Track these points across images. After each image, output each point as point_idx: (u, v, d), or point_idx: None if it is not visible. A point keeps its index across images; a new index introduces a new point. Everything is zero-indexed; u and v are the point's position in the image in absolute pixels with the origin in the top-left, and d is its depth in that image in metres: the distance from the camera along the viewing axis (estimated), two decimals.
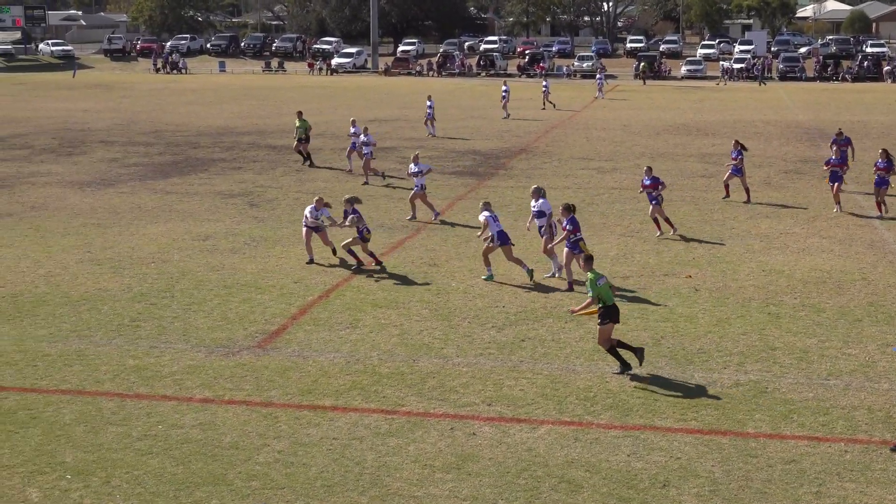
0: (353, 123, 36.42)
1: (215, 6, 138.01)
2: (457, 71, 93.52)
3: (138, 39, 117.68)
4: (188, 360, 16.56)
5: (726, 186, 30.33)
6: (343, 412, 14.43)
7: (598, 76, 73.12)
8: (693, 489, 12.09)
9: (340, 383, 15.52)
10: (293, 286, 20.89)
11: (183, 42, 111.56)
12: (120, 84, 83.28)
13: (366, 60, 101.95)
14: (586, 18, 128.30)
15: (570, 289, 20.44)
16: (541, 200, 21.41)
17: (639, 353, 15.75)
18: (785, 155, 40.24)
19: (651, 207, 25.21)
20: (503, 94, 55.34)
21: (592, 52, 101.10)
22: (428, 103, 46.81)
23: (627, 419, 14.17)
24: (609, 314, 15.57)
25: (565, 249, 20.45)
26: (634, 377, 15.68)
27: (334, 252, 22.72)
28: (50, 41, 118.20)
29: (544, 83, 62.72)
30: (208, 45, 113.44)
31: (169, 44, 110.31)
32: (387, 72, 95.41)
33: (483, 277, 21.23)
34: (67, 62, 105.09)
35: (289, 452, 13.11)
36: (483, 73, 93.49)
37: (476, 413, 14.38)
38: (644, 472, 12.56)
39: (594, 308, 15.75)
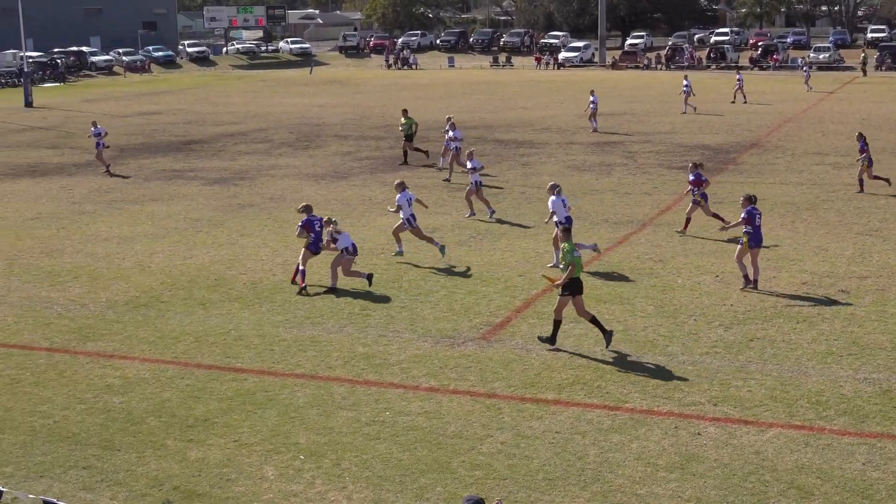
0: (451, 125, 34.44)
1: (445, 3, 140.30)
2: (686, 64, 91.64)
3: (371, 36, 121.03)
4: (415, 349, 16.97)
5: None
6: (566, 406, 14.46)
7: (804, 68, 70.34)
8: None
9: (563, 377, 15.55)
10: (518, 279, 21.05)
11: (413, 38, 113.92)
12: (353, 80, 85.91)
13: (593, 54, 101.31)
14: (823, 8, 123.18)
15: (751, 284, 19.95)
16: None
17: (608, 335, 16.57)
18: None
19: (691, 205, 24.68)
20: (684, 88, 53.58)
21: (829, 42, 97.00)
22: (592, 98, 46.24)
23: (863, 426, 13.58)
24: (573, 286, 16.35)
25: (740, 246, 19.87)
26: (556, 349, 16.60)
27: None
28: (289, 39, 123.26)
29: (738, 76, 60.47)
30: (438, 41, 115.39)
31: (400, 40, 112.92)
32: (614, 65, 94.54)
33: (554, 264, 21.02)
34: (305, 59, 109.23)
35: (511, 444, 13.24)
36: (713, 66, 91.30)
37: (701, 413, 14.11)
38: (881, 482, 12.01)
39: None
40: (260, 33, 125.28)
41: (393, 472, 12.52)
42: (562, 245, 16.70)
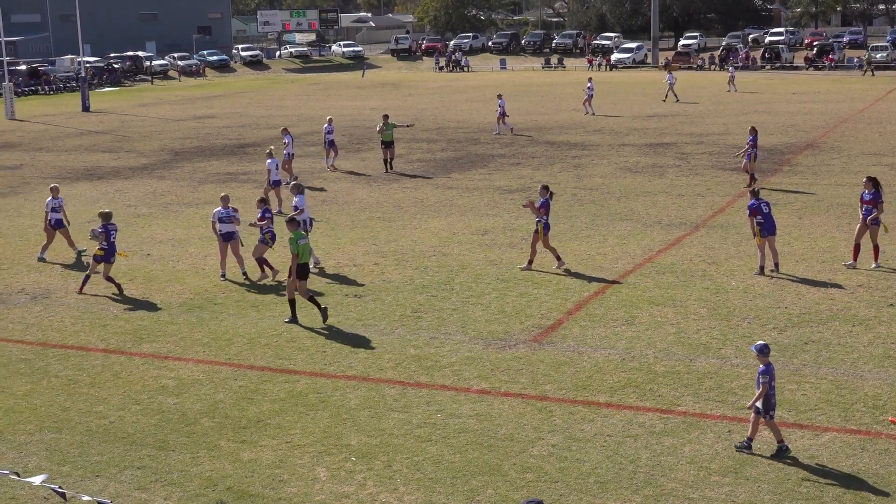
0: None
1: (497, 5, 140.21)
2: (739, 64, 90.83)
3: (423, 39, 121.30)
4: (466, 351, 16.98)
5: None
6: (617, 409, 14.39)
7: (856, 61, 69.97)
8: None
9: (615, 380, 15.48)
10: (569, 281, 20.99)
11: (465, 41, 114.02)
12: (405, 82, 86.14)
13: (645, 55, 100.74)
14: (881, 6, 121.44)
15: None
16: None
17: (323, 311, 18.63)
18: None
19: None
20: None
21: (887, 41, 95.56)
22: (588, 84, 53.32)
23: None
24: (300, 271, 18.43)
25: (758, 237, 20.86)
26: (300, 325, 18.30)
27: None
28: (341, 42, 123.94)
29: (731, 70, 61.13)
30: (490, 44, 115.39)
31: (452, 42, 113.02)
32: (667, 66, 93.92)
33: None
34: (357, 62, 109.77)
35: (563, 447, 13.21)
36: (768, 66, 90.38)
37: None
38: None
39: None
40: (312, 37, 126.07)
41: (444, 475, 12.54)
42: (290, 235, 18.74)
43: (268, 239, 21.77)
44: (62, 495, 9.21)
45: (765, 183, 31.38)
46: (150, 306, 20.21)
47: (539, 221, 21.72)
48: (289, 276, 18.83)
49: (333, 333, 18.10)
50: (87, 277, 21.30)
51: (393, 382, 15.69)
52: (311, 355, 17.02)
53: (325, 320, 18.63)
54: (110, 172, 38.62)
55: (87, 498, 10.03)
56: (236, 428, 14.14)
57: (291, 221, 18.94)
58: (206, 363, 16.81)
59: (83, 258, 24.07)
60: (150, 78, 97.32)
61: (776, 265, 21.07)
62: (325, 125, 38.06)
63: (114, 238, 21.03)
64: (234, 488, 12.35)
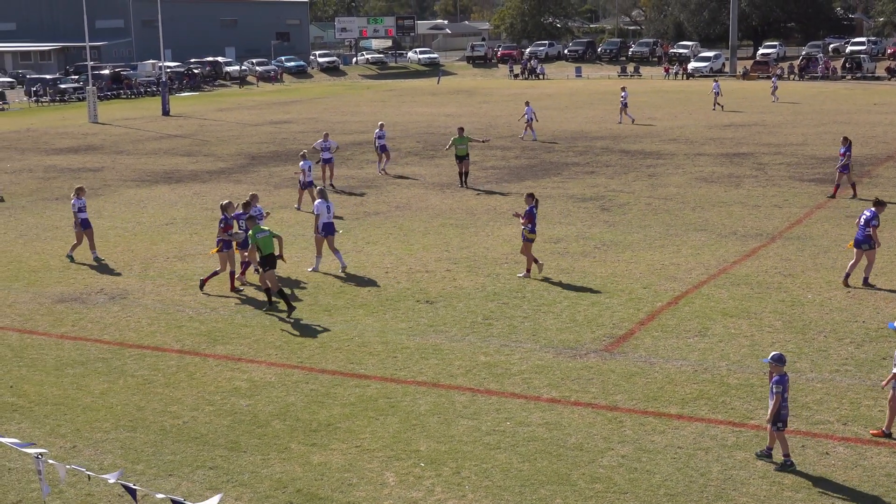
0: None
1: (574, 12, 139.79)
2: (819, 74, 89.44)
3: (499, 46, 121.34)
4: (536, 359, 16.94)
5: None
6: (689, 421, 14.25)
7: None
8: None
9: (687, 392, 15.33)
10: (642, 291, 20.83)
11: (541, 48, 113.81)
12: (480, 90, 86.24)
13: (723, 64, 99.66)
14: None
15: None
16: None
17: (290, 308, 19.72)
18: None
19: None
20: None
21: None
22: (623, 94, 53.77)
23: None
24: (265, 261, 19.69)
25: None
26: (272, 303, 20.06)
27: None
28: (417, 49, 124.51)
29: (715, 85, 62.35)
30: (565, 51, 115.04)
31: (528, 50, 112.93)
32: (745, 75, 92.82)
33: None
34: (433, 69, 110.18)
35: (633, 458, 13.11)
36: (848, 77, 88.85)
37: (830, 432, 13.74)
38: None
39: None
40: (389, 43, 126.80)
41: (512, 483, 12.52)
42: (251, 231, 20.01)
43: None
44: (132, 494, 9.36)
45: (845, 194, 30.88)
46: (225, 308, 20.48)
47: (525, 229, 21.86)
48: (255, 270, 20.26)
49: (404, 339, 18.18)
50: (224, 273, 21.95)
51: (463, 389, 15.70)
52: (381, 360, 17.11)
53: (289, 314, 19.71)
54: (188, 176, 39.23)
55: (160, 496, 10.19)
56: (307, 431, 14.26)
57: (250, 219, 20.26)
58: (278, 366, 16.98)
59: (100, 262, 24.53)
60: (228, 83, 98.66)
61: (865, 279, 20.94)
62: (377, 130, 38.38)
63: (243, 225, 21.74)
64: (304, 491, 12.46)
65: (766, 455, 12.95)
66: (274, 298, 20.40)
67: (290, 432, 14.23)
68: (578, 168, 38.51)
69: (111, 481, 9.36)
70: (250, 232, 19.88)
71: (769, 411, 12.79)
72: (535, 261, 22.19)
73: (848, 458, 12.94)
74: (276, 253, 20.17)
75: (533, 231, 21.91)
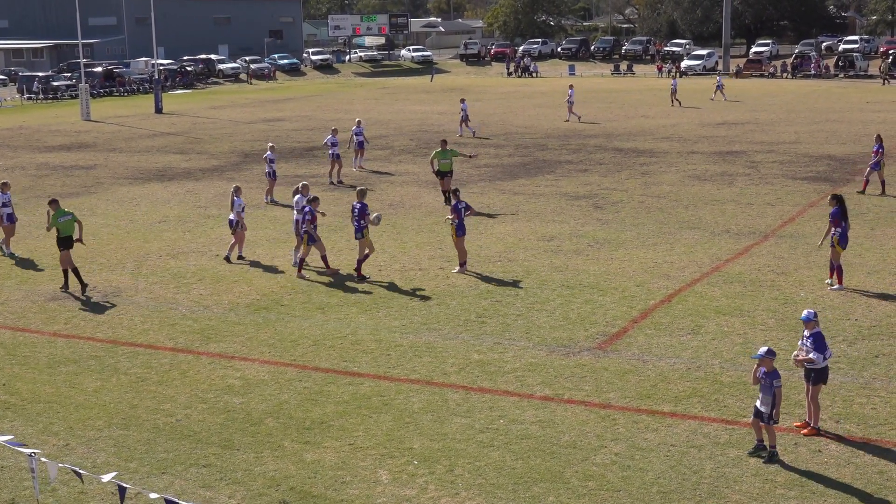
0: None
1: (567, 11, 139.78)
2: (812, 72, 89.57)
3: (492, 44, 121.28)
4: (530, 357, 16.95)
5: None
6: (682, 419, 14.27)
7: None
8: None
9: (680, 389, 15.35)
10: (635, 289, 20.86)
11: (534, 46, 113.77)
12: (473, 88, 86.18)
13: (716, 62, 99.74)
14: None
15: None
16: None
17: (83, 286, 21.46)
18: None
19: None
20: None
21: None
22: (569, 91, 54.87)
23: None
24: (63, 242, 21.38)
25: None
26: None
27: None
28: (411, 47, 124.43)
29: (673, 82, 64.19)
30: (559, 49, 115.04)
31: (521, 48, 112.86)
32: (738, 74, 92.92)
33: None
34: (426, 67, 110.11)
35: (626, 455, 13.13)
36: (841, 75, 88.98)
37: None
38: None
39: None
40: (382, 41, 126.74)
41: (506, 481, 12.53)
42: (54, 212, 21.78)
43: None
44: (122, 492, 9.35)
45: (872, 191, 30.92)
46: (218, 306, 20.47)
47: (452, 223, 22.30)
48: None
49: (397, 337, 18.18)
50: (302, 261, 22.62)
51: (456, 387, 15.71)
52: (375, 358, 17.11)
53: (83, 291, 21.40)
54: (181, 173, 39.17)
55: (154, 495, 10.19)
56: (300, 429, 14.26)
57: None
58: (271, 364, 16.98)
59: (10, 259, 24.91)
60: (221, 80, 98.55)
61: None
62: (354, 127, 38.60)
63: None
64: (297, 488, 12.46)
65: (758, 450, 12.96)
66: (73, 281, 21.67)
67: (283, 430, 14.23)
68: (571, 166, 38.53)
69: (105, 480, 9.36)
70: (54, 214, 21.52)
71: (772, 410, 12.71)
72: (461, 258, 22.58)
73: (840, 455, 12.97)
74: (76, 237, 21.70)
75: (459, 225, 22.24)
